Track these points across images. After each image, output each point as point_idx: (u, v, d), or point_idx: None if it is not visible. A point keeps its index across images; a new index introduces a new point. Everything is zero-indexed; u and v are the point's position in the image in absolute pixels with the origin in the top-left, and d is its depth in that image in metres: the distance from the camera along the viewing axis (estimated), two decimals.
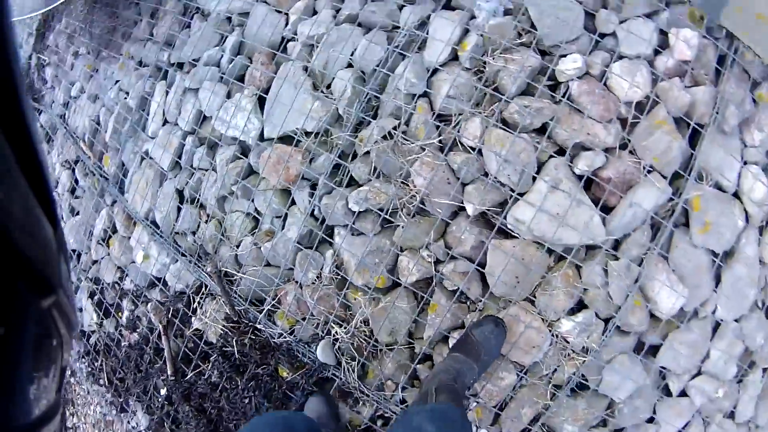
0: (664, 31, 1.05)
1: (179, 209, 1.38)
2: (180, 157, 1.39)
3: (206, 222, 1.31)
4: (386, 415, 1.13)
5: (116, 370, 1.49)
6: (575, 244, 0.95)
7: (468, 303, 1.03)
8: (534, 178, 0.96)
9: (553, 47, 0.99)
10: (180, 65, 1.49)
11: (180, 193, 1.39)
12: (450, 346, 1.02)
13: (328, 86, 1.13)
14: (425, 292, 1.02)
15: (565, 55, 0.97)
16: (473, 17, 1.01)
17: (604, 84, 0.98)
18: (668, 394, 1.09)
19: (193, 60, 1.42)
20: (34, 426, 0.23)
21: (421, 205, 1.00)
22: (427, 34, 1.03)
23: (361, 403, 1.13)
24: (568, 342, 0.99)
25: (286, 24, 1.22)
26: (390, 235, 1.04)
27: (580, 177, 0.96)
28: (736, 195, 1.08)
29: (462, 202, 0.98)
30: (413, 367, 1.05)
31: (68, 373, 1.72)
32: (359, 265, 1.04)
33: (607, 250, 0.96)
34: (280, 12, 1.24)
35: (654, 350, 1.05)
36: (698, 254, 1.01)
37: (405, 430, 0.75)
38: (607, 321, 0.99)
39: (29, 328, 0.22)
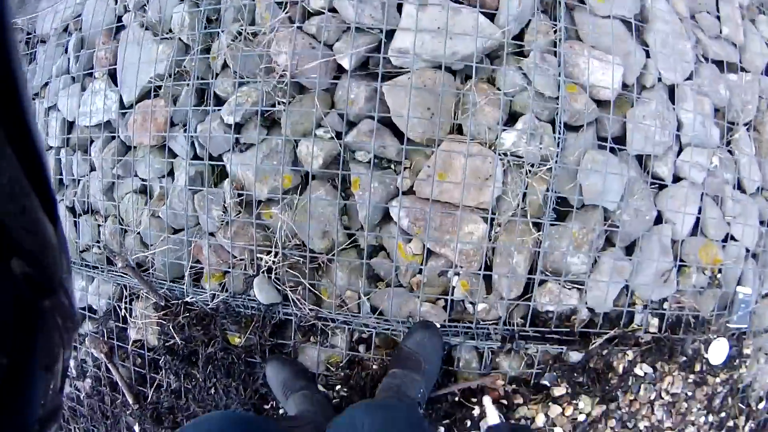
0: None
1: (76, 224, 1.19)
2: (61, 174, 1.23)
3: (104, 222, 1.12)
4: (364, 336, 0.95)
5: (88, 430, 1.23)
6: (472, 51, 0.85)
7: (391, 164, 0.90)
8: (399, 6, 0.87)
9: None
10: (36, 94, 1.34)
11: (71, 209, 1.21)
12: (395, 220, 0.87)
13: (170, 30, 1.02)
14: (339, 170, 0.88)
15: None
16: None
17: None
18: (663, 185, 0.99)
19: (45, 83, 1.29)
20: (38, 424, 0.23)
21: (294, 80, 0.88)
22: None
23: (330, 334, 0.94)
24: (520, 157, 0.87)
25: (115, 1, 1.13)
26: (278, 131, 0.91)
27: None
28: None
29: (335, 61, 0.87)
30: (366, 263, 0.89)
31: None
32: (258, 174, 0.89)
33: (511, 52, 0.87)
34: None
35: (621, 140, 0.95)
36: (610, 24, 0.94)
37: (337, 428, 0.65)
38: (551, 121, 0.89)
39: (30, 328, 0.21)
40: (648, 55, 0.98)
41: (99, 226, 1.16)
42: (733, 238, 1.10)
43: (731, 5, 1.17)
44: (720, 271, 1.09)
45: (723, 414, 1.20)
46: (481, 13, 0.86)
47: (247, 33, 0.91)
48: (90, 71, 1.17)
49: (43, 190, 0.22)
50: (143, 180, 1.06)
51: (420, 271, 0.89)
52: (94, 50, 1.16)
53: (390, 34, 0.87)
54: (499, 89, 0.86)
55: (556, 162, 0.86)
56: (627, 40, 0.95)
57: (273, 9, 0.90)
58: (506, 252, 0.87)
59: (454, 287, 0.89)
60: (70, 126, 1.23)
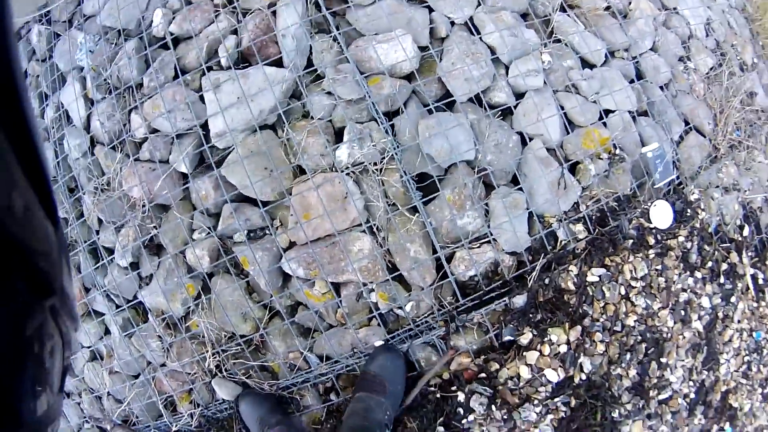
0: None
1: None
2: None
3: (80, 398, 1.15)
4: (327, 384, 0.93)
5: None
6: (274, 102, 0.88)
7: (264, 229, 0.92)
8: (201, 99, 0.91)
9: (139, 25, 1.01)
10: None
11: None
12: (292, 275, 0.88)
13: None
14: (225, 258, 0.90)
15: (150, 22, 0.99)
16: (81, 68, 1.03)
17: (188, 3, 0.99)
18: (510, 109, 0.98)
19: None
20: (38, 424, 0.22)
21: (154, 204, 0.92)
22: (64, 108, 1.02)
23: (299, 397, 0.93)
24: (362, 163, 0.89)
25: None
26: (164, 251, 0.94)
27: (230, 66, 0.92)
28: None
29: (176, 170, 0.91)
30: (292, 323, 0.89)
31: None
32: (167, 295, 0.91)
33: (309, 83, 0.90)
34: None
35: (448, 95, 0.95)
36: (380, 6, 0.95)
37: None
38: (373, 119, 0.90)
39: (31, 328, 0.21)
40: (430, 8, 0.99)
41: (78, 403, 1.18)
42: (609, 111, 1.08)
43: None
44: (615, 146, 1.06)
45: (710, 263, 1.13)
46: (267, 65, 0.90)
47: (102, 185, 0.96)
48: None
49: (43, 191, 0.22)
50: (89, 347, 1.08)
51: (338, 305, 0.88)
52: None
53: (205, 125, 0.90)
54: (312, 117, 0.88)
55: (395, 149, 0.87)
56: (402, 8, 0.97)
57: (110, 155, 0.96)
58: (400, 248, 0.88)
59: (375, 303, 0.89)
60: None
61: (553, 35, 1.11)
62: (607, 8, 1.25)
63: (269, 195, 0.90)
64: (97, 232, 1.03)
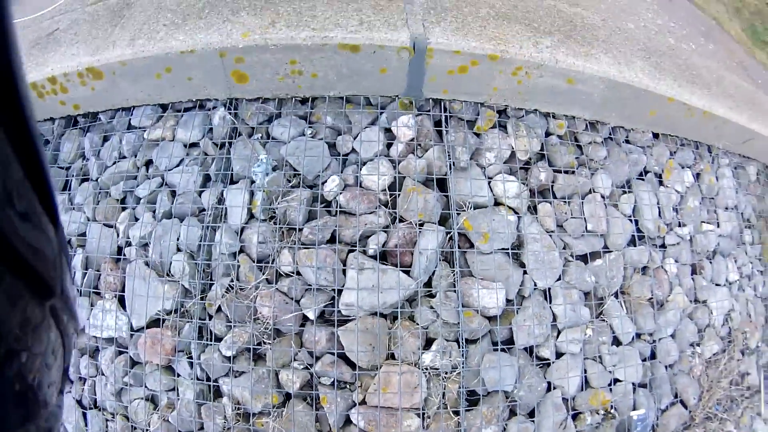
0: (388, 128, 1.67)
1: (85, 416, 1.67)
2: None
3: (113, 418, 1.61)
4: None
5: None
6: (397, 300, 1.45)
7: (348, 384, 1.47)
8: (344, 271, 1.47)
9: (315, 179, 1.55)
10: None
11: (79, 402, 1.69)
12: (355, 423, 1.43)
13: (169, 272, 1.57)
14: (311, 390, 1.44)
15: (325, 181, 1.54)
16: (253, 182, 1.55)
17: (361, 186, 1.56)
18: (549, 363, 1.57)
19: None
20: (39, 424, 0.25)
21: (275, 327, 1.45)
22: (226, 205, 1.54)
23: None
24: (437, 368, 1.46)
25: (118, 235, 1.67)
26: (263, 362, 1.46)
27: (374, 256, 1.49)
28: (497, 203, 1.68)
29: (303, 313, 1.45)
30: None
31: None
32: (253, 394, 1.44)
33: (423, 296, 1.48)
34: (110, 226, 1.69)
35: (511, 340, 1.54)
36: (493, 258, 1.55)
37: None
38: (456, 340, 1.49)
39: (31, 328, 0.24)
40: (525, 272, 1.62)
41: (107, 421, 1.65)
42: (617, 380, 1.73)
43: (593, 202, 1.84)
44: (613, 407, 1.71)
45: None
46: (401, 270, 1.47)
47: (237, 288, 1.48)
48: (97, 290, 1.69)
49: (43, 192, 0.25)
50: (152, 390, 1.57)
51: None
52: (100, 273, 1.68)
53: (339, 292, 1.45)
54: (417, 324, 1.46)
55: (462, 368, 1.46)
56: (507, 266, 1.58)
57: (255, 270, 1.48)
58: None
59: None
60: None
61: (602, 315, 1.77)
62: (650, 298, 1.92)
63: (365, 363, 1.39)
64: (210, 317, 1.53)
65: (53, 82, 1.68)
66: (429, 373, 1.43)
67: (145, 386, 1.55)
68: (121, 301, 1.63)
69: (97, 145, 1.77)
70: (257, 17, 1.53)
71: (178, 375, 1.52)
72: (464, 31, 1.58)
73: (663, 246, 1.95)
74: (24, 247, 0.23)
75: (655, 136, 2.02)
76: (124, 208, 1.66)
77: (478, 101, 1.68)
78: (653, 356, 1.81)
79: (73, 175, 1.79)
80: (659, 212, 1.95)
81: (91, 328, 1.65)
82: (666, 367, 1.87)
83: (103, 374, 1.64)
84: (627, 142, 1.94)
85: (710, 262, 2.09)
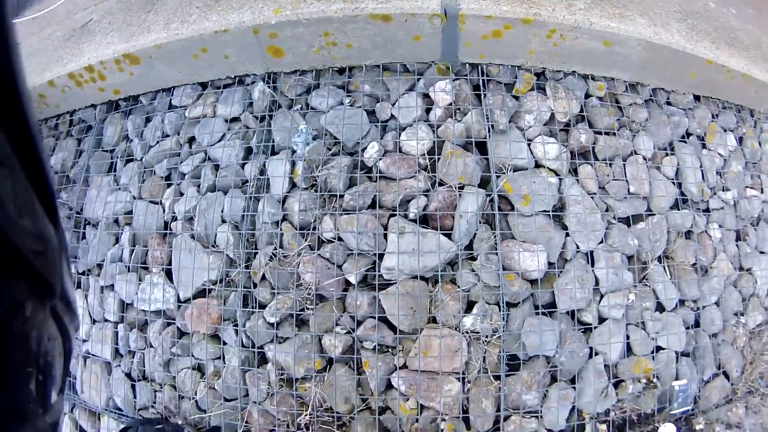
0: (426, 94, 1.68)
1: (134, 387, 1.74)
2: (117, 345, 1.79)
3: (161, 389, 1.68)
4: None
5: None
6: (437, 263, 1.46)
7: (389, 348, 1.49)
8: (385, 236, 1.49)
9: (355, 146, 1.58)
10: (89, 270, 1.92)
11: (128, 375, 1.77)
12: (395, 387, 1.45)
13: (215, 243, 1.62)
14: (353, 355, 1.47)
15: (365, 148, 1.56)
16: (294, 152, 1.59)
17: (400, 151, 1.57)
18: (592, 328, 1.55)
19: (99, 263, 1.87)
20: (40, 424, 0.25)
21: (318, 293, 1.48)
22: (268, 176, 1.58)
23: None
24: (478, 332, 1.46)
25: (164, 210, 1.73)
26: (306, 328, 1.50)
27: (414, 220, 1.50)
28: (538, 165, 1.67)
29: (345, 278, 1.48)
30: (378, 419, 1.46)
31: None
32: (296, 360, 1.47)
33: (464, 259, 1.48)
34: (156, 203, 1.75)
35: (553, 304, 1.52)
36: (534, 220, 1.54)
37: None
38: (497, 304, 1.49)
39: (32, 328, 0.24)
40: (567, 234, 1.60)
41: (156, 392, 1.72)
42: (660, 348, 1.70)
43: (635, 164, 1.80)
44: (655, 376, 1.68)
45: None
46: (441, 234, 1.48)
47: (280, 256, 1.52)
48: (145, 266, 1.76)
49: (44, 192, 0.25)
50: (198, 359, 1.63)
51: (416, 420, 1.46)
52: (148, 248, 1.76)
53: (381, 256, 1.47)
54: (459, 287, 1.46)
55: (503, 332, 1.46)
56: (548, 228, 1.57)
57: (297, 238, 1.51)
58: (477, 399, 1.45)
59: (442, 429, 1.46)
60: (126, 306, 1.80)
61: (645, 280, 1.73)
62: (694, 264, 1.87)
63: (406, 327, 1.41)
64: (256, 286, 1.58)
65: (90, 70, 1.76)
66: (470, 336, 1.43)
67: (192, 356, 1.61)
68: (168, 275, 1.69)
69: (140, 126, 1.84)
70: None
71: (224, 343, 1.56)
72: None
73: (707, 210, 1.90)
74: (24, 247, 0.23)
75: (697, 98, 1.97)
76: (169, 185, 1.72)
77: (515, 64, 1.68)
78: (697, 324, 1.76)
79: (117, 157, 1.87)
80: (702, 176, 1.90)
81: (139, 302, 1.72)
82: (710, 336, 1.81)
83: (151, 346, 1.71)
84: (668, 104, 1.90)
85: (755, 229, 2.02)
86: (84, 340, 1.86)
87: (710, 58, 1.79)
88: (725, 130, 2.05)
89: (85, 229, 1.95)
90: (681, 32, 1.77)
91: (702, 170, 1.91)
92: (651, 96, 1.87)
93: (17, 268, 0.23)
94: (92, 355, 1.83)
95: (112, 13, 1.94)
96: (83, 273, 1.90)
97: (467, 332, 1.43)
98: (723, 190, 1.99)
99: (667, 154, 1.88)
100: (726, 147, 2.01)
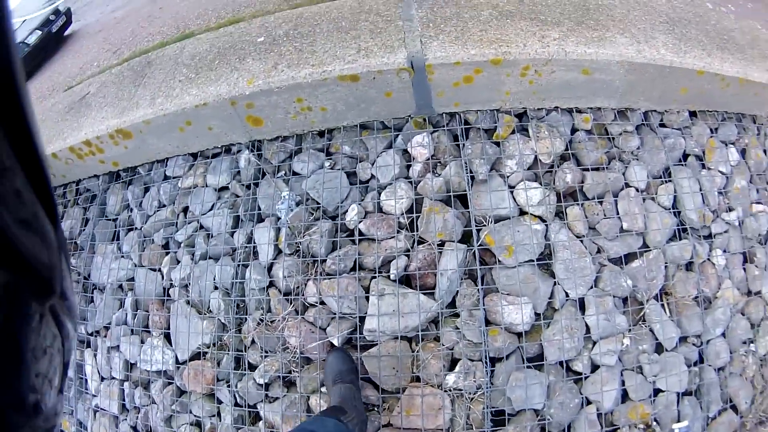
0: (406, 149, 1.72)
1: None
2: (124, 401, 1.91)
3: None
4: None
5: None
6: (419, 323, 1.50)
7: (374, 407, 1.53)
8: (366, 298, 1.54)
9: (336, 209, 1.64)
10: (97, 332, 2.06)
11: (134, 428, 1.88)
12: None
13: (209, 308, 1.72)
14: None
15: (346, 211, 1.62)
16: (278, 218, 1.66)
17: (380, 211, 1.62)
18: (578, 377, 1.54)
19: (106, 325, 2.01)
20: (40, 424, 0.26)
21: (303, 355, 1.54)
22: (254, 243, 1.66)
23: None
24: (461, 389, 1.50)
25: (162, 277, 1.84)
26: (295, 389, 1.56)
27: (395, 280, 1.54)
28: (522, 213, 1.67)
29: (329, 341, 1.54)
30: None
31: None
32: (284, 419, 1.54)
33: (447, 316, 1.52)
34: (155, 270, 1.87)
35: (541, 356, 1.53)
36: (518, 271, 1.54)
37: None
38: (481, 359, 1.51)
39: (31, 328, 0.25)
40: (556, 282, 1.60)
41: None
42: (659, 390, 1.67)
43: (627, 198, 1.76)
44: (654, 420, 1.65)
45: None
46: (422, 293, 1.51)
47: (267, 320, 1.59)
48: (147, 329, 1.88)
49: (43, 192, 0.26)
50: (197, 416, 1.72)
51: None
52: (149, 313, 1.87)
53: (362, 319, 1.52)
54: (442, 344, 1.50)
55: (487, 388, 1.48)
56: (533, 279, 1.57)
57: (283, 303, 1.58)
58: None
59: None
60: (130, 365, 1.93)
61: (641, 321, 1.70)
62: (696, 297, 1.82)
63: (389, 386, 1.45)
64: (246, 348, 1.67)
65: (88, 144, 1.89)
66: (453, 394, 1.46)
67: (191, 412, 1.70)
68: (167, 338, 1.80)
69: (139, 196, 1.96)
70: (261, 61, 1.64)
71: (220, 402, 1.65)
72: (463, 39, 1.59)
73: (709, 236, 1.84)
74: (24, 246, 0.24)
75: (693, 114, 1.90)
76: (166, 253, 1.83)
77: (493, 108, 1.68)
78: (701, 360, 1.71)
79: (120, 226, 2.00)
80: (702, 199, 1.84)
81: (142, 362, 1.83)
82: (716, 370, 1.76)
83: (154, 403, 1.81)
84: (662, 125, 1.84)
85: (763, 247, 1.94)
86: (93, 395, 1.99)
87: (701, 68, 1.72)
88: (726, 144, 1.98)
89: (93, 293, 2.09)
90: (667, 45, 1.71)
91: (702, 193, 1.85)
92: (643, 120, 1.82)
93: (16, 267, 0.23)
94: (101, 409, 1.95)
95: (106, 86, 2.07)
96: (92, 334, 2.04)
97: (450, 390, 1.46)
98: (727, 211, 1.93)
99: (662, 182, 1.82)
100: (727, 163, 1.95)
